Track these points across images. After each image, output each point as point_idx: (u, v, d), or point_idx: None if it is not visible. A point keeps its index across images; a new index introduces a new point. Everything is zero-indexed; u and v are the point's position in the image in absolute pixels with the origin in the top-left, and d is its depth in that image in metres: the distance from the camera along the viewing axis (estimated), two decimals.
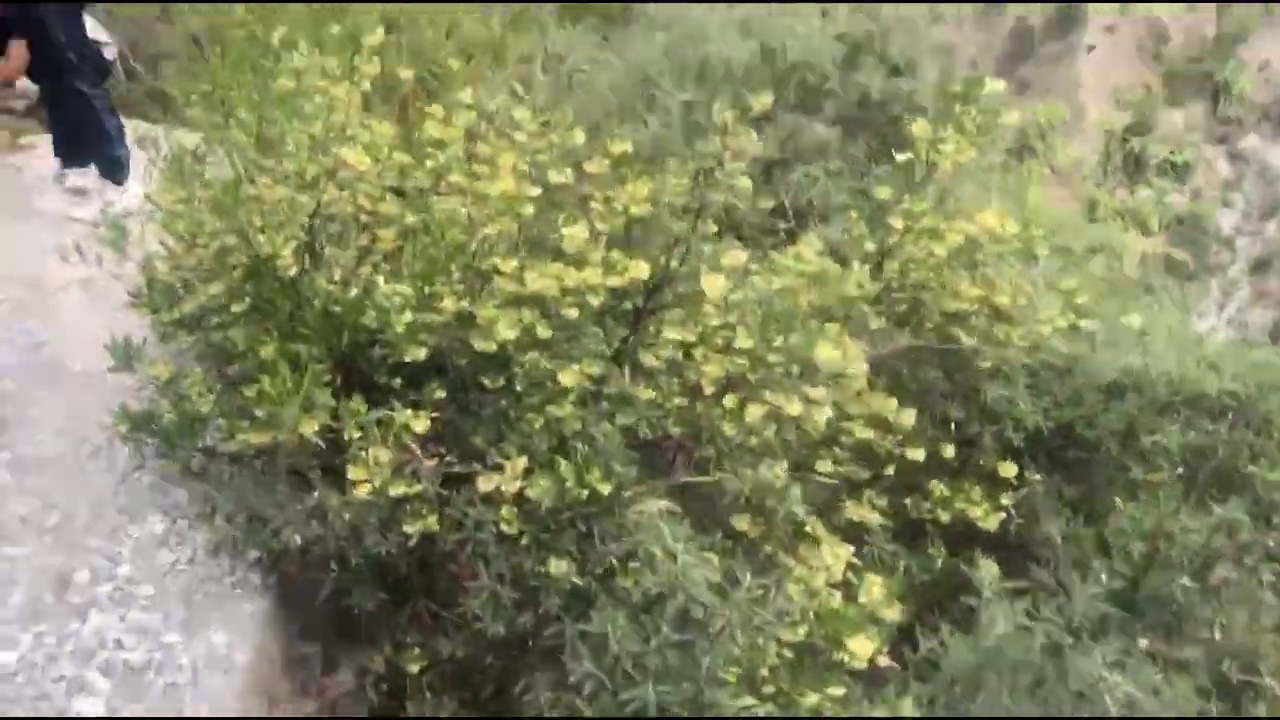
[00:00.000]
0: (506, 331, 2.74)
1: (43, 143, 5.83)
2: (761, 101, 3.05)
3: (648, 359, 2.97)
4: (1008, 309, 3.83)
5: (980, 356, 3.90)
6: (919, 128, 3.74)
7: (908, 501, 3.87)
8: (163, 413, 3.02)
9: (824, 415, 2.91)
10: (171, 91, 5.39)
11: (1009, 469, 3.89)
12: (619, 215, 2.92)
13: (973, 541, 3.68)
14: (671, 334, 2.80)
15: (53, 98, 4.77)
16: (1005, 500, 3.86)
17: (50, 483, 3.12)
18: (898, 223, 3.73)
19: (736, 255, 2.85)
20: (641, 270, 2.75)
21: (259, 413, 2.99)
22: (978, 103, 3.81)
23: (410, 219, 2.99)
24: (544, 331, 2.78)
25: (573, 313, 2.78)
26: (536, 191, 3.04)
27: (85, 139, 4.76)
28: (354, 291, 2.93)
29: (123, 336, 3.12)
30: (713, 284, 2.76)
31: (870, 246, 3.85)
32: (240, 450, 2.95)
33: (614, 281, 2.76)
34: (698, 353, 2.83)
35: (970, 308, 3.82)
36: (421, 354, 2.83)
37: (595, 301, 2.78)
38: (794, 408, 2.78)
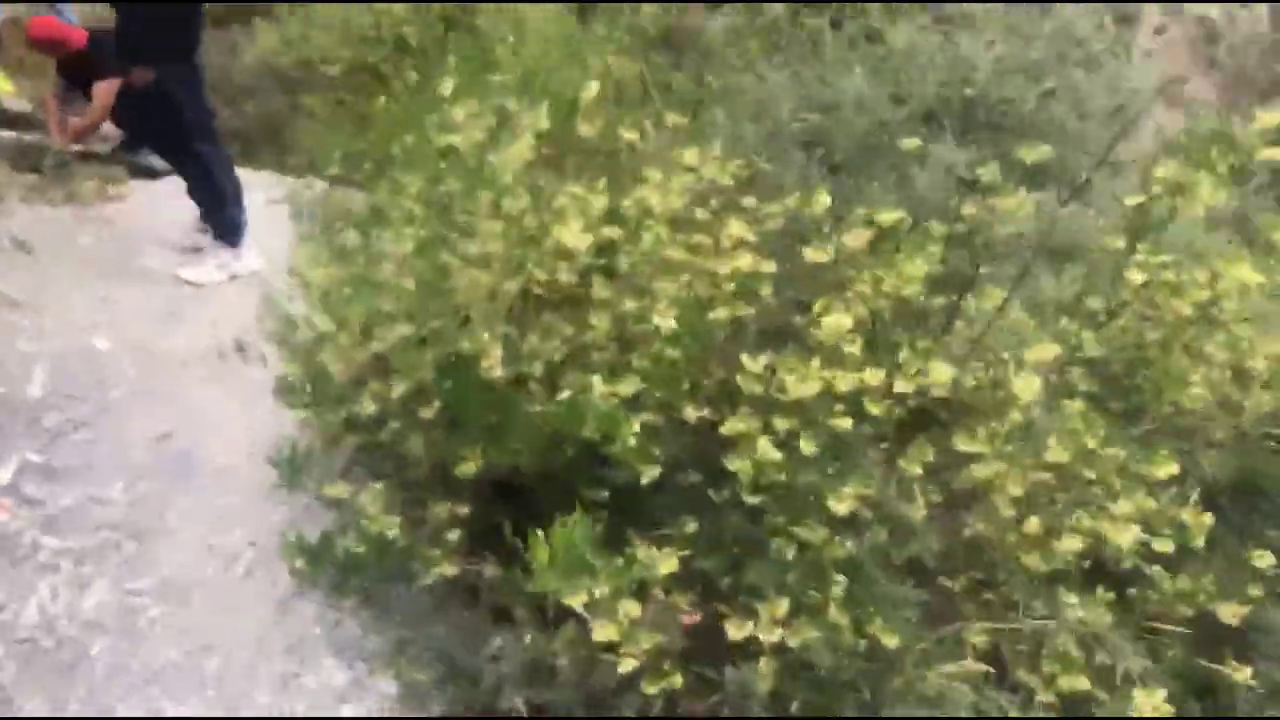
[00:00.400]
0: (768, 449, 2.25)
1: (132, 191, 5.44)
2: (1041, 151, 2.56)
3: (911, 468, 2.46)
4: (1260, 373, 3.33)
5: (1210, 428, 3.41)
6: (1167, 169, 3.24)
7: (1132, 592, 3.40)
8: (338, 538, 2.55)
9: (1132, 537, 2.41)
10: (305, 144, 4.94)
11: (1264, 557, 3.38)
12: (885, 298, 2.43)
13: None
14: (969, 446, 2.30)
15: (176, 161, 4.40)
16: (1255, 591, 3.35)
17: (202, 615, 2.66)
18: (1135, 276, 3.24)
19: (1047, 348, 2.34)
20: (943, 375, 2.26)
21: (451, 536, 2.54)
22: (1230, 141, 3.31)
23: (629, 304, 2.51)
24: (808, 447, 2.29)
25: (844, 423, 2.28)
26: (772, 267, 2.56)
27: (201, 200, 4.36)
28: (564, 393, 2.46)
29: (288, 445, 2.67)
30: (1028, 387, 2.26)
31: (1095, 304, 3.37)
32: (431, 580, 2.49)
33: (902, 387, 2.27)
34: (990, 467, 2.33)
35: (1219, 374, 3.33)
36: (656, 472, 2.35)
37: (876, 410, 2.28)
38: (1123, 536, 2.28)
